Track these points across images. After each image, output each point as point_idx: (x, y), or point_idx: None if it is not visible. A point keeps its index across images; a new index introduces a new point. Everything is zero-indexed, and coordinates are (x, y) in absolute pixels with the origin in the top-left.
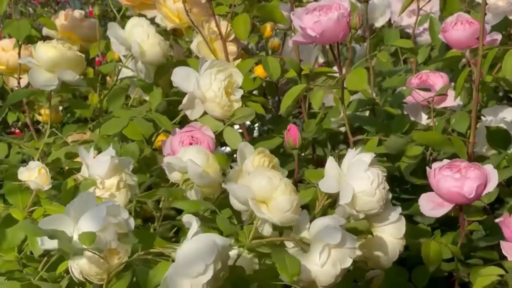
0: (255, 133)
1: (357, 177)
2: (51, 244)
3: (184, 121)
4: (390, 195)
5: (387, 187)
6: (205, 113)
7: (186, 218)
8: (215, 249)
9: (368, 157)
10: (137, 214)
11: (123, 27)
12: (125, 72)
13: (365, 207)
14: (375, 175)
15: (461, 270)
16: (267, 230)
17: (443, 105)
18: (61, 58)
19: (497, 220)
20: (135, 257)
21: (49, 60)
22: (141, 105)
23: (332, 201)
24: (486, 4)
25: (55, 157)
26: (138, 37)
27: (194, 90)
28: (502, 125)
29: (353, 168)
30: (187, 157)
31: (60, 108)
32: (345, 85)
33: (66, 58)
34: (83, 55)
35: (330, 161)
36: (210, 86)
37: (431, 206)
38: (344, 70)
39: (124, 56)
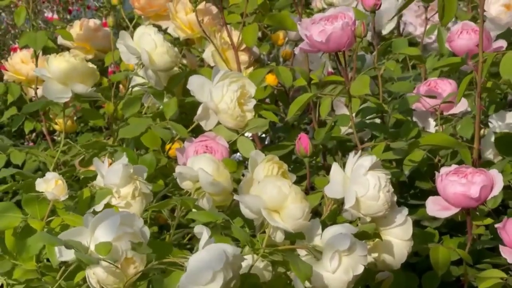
0: (266, 141)
1: (358, 181)
2: (69, 256)
3: (197, 128)
4: (395, 198)
5: (392, 190)
6: (219, 123)
7: (197, 228)
8: (223, 257)
9: (368, 161)
10: (153, 222)
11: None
12: (137, 80)
13: (370, 210)
14: (376, 179)
15: (470, 275)
16: (279, 237)
17: (451, 111)
18: (73, 70)
19: (496, 226)
20: (149, 266)
21: (61, 72)
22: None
23: (339, 206)
24: (485, 10)
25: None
26: (147, 46)
27: (207, 101)
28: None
29: (354, 173)
30: (197, 166)
31: (74, 118)
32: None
33: (78, 71)
34: (95, 67)
35: (335, 167)
36: (223, 97)
37: (437, 208)
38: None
39: (136, 64)
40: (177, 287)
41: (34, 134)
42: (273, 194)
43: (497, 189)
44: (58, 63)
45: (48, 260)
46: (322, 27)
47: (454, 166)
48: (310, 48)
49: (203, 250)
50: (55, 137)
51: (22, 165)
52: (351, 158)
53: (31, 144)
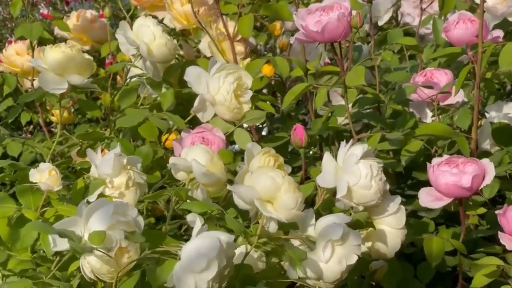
0: (264, 132)
1: (349, 170)
2: (63, 246)
3: (194, 119)
4: (388, 186)
5: (384, 179)
6: (216, 114)
7: (190, 217)
8: (217, 245)
9: (359, 150)
10: (149, 213)
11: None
12: (134, 71)
13: (362, 199)
14: (368, 168)
15: (465, 265)
16: (273, 227)
17: (447, 102)
18: (70, 61)
19: (497, 212)
20: (142, 256)
21: (57, 63)
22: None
23: (333, 195)
24: (484, 1)
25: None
26: (145, 37)
27: (204, 93)
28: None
29: (345, 162)
30: (191, 157)
31: (72, 109)
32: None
33: (74, 62)
34: (92, 58)
35: (327, 156)
36: (219, 89)
37: (430, 199)
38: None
39: (133, 55)
40: (170, 275)
41: (31, 126)
42: (266, 185)
43: (489, 178)
44: (54, 54)
45: (43, 251)
46: (317, 18)
47: (446, 156)
48: (305, 38)
49: (197, 237)
50: (52, 129)
51: (18, 156)
52: (343, 147)
53: (28, 135)
